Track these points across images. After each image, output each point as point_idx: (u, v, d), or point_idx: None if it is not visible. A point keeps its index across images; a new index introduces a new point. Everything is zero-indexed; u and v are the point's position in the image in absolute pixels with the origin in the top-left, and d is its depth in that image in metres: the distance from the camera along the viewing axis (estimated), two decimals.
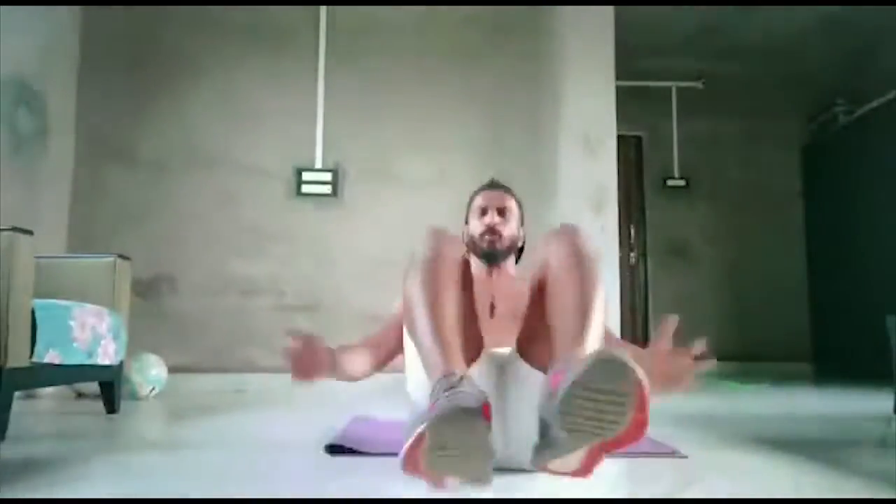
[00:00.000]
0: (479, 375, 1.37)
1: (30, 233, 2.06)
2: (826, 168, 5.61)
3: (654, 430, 2.04)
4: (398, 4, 4.19)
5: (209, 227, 3.98)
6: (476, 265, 1.77)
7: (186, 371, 3.68)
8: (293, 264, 3.99)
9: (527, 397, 1.34)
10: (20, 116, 3.40)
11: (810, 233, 5.82)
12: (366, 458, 1.60)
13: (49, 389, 3.32)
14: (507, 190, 1.89)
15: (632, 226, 5.83)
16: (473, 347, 1.45)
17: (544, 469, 1.11)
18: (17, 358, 1.98)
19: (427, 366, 1.27)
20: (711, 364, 1.37)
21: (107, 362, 2.52)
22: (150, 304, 3.82)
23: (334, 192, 4.05)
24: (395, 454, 1.09)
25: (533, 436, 1.12)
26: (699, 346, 1.37)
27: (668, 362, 1.36)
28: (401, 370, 1.66)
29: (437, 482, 1.07)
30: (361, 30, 4.20)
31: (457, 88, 4.19)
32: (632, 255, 5.80)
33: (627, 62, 4.50)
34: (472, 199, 1.89)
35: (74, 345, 2.28)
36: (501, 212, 1.80)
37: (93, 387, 3.12)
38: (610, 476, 1.45)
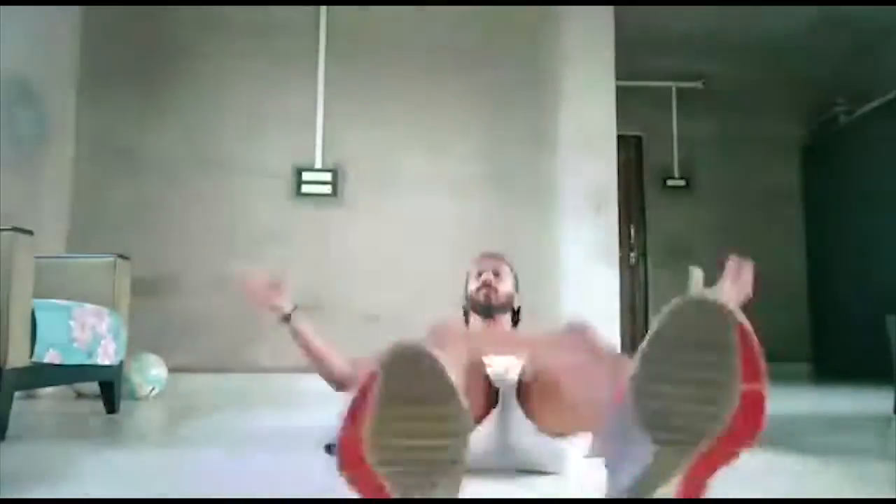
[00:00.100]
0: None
1: (30, 233, 2.06)
2: (826, 168, 5.61)
3: None
4: (398, 4, 4.19)
5: (209, 226, 3.97)
6: (474, 321, 1.91)
7: (186, 371, 3.68)
8: (293, 264, 3.98)
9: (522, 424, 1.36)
10: (20, 116, 3.40)
11: (810, 233, 5.82)
12: None
13: (49, 389, 3.32)
14: (500, 257, 2.03)
15: (632, 226, 5.83)
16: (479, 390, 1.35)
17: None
18: (17, 358, 1.98)
19: None
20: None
21: (107, 362, 2.52)
22: (150, 304, 3.81)
23: (334, 192, 4.05)
24: None
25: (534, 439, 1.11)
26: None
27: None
28: None
29: (378, 487, 0.79)
30: (361, 30, 4.20)
31: (457, 88, 4.19)
32: (632, 255, 5.80)
33: (627, 62, 4.50)
34: (470, 268, 2.02)
35: (74, 345, 2.28)
36: (496, 273, 1.93)
37: (93, 387, 3.12)
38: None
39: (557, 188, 4.08)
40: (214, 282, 3.91)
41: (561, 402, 1.18)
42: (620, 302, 4.06)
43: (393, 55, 4.19)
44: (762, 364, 0.72)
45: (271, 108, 4.09)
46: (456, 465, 0.78)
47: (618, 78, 4.15)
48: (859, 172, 5.16)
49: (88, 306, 2.43)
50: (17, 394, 2.04)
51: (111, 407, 2.62)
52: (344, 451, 0.80)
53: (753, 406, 0.71)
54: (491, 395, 1.40)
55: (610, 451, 0.81)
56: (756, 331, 0.74)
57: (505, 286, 1.91)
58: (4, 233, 1.97)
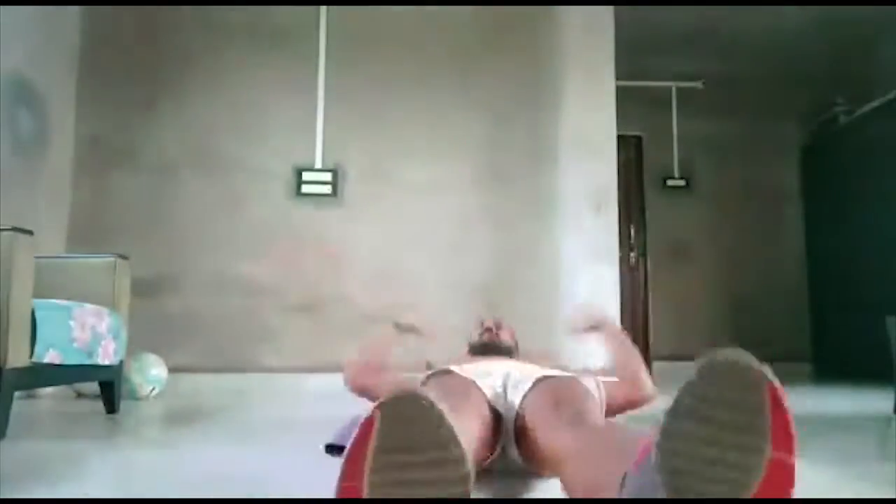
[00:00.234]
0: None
1: (30, 233, 2.06)
2: (826, 168, 5.61)
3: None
4: (398, 4, 4.19)
5: (209, 226, 3.98)
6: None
7: (186, 371, 3.68)
8: (293, 264, 3.99)
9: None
10: (20, 117, 3.40)
11: (810, 233, 5.82)
12: None
13: (49, 389, 3.32)
14: (500, 318, 2.20)
15: (632, 226, 5.83)
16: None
17: None
18: (17, 358, 1.98)
19: None
20: None
21: (107, 362, 2.52)
22: (151, 304, 3.81)
23: (334, 192, 4.05)
24: None
25: None
26: None
27: None
28: None
29: None
30: (361, 30, 4.20)
31: (457, 88, 4.19)
32: (632, 255, 5.80)
33: (627, 62, 4.50)
34: (472, 326, 2.16)
35: (74, 345, 2.28)
36: (498, 326, 2.08)
37: (93, 387, 3.12)
38: None
39: (557, 188, 4.08)
40: (214, 282, 3.92)
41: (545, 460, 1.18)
42: (620, 302, 4.06)
43: (393, 55, 4.19)
44: (793, 433, 0.70)
45: (271, 108, 4.09)
46: None
47: (618, 78, 4.15)
48: (859, 172, 5.16)
49: (88, 306, 2.43)
50: (17, 394, 2.04)
51: (111, 407, 2.62)
52: (343, 496, 0.78)
53: (781, 477, 0.69)
54: (495, 417, 1.36)
55: None
56: (777, 388, 0.72)
57: (506, 334, 2.04)
58: (4, 233, 1.97)
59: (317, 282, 3.97)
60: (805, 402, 3.43)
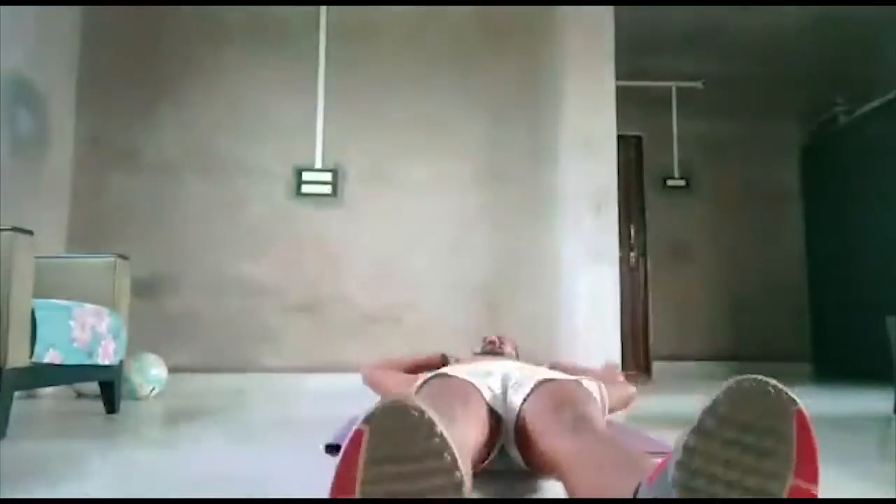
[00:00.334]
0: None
1: (30, 233, 2.06)
2: (825, 168, 5.61)
3: (653, 431, 2.04)
4: (398, 4, 4.19)
5: (209, 226, 3.98)
6: None
7: (186, 371, 3.68)
8: (293, 264, 3.99)
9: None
10: (20, 116, 3.40)
11: (810, 233, 5.82)
12: None
13: (49, 389, 3.32)
14: (502, 335, 2.30)
15: (632, 226, 5.83)
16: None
17: None
18: (17, 358, 1.98)
19: None
20: None
21: (107, 362, 2.52)
22: (150, 304, 3.82)
23: (334, 192, 4.05)
24: None
25: None
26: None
27: None
28: None
29: None
30: (361, 30, 4.20)
31: (457, 88, 4.19)
32: (632, 255, 5.80)
33: (627, 62, 4.50)
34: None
35: (74, 345, 2.28)
36: (501, 341, 2.19)
37: (93, 387, 3.12)
38: None
39: (557, 188, 4.08)
40: (214, 282, 3.92)
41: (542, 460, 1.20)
42: (620, 302, 4.07)
43: (393, 54, 4.19)
44: (818, 462, 0.69)
45: (271, 108, 4.09)
46: None
47: (618, 78, 4.15)
48: (859, 172, 5.16)
49: (88, 306, 2.43)
50: (17, 394, 2.04)
51: (111, 407, 2.62)
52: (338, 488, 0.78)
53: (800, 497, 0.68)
54: (494, 419, 1.36)
55: None
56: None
57: (508, 348, 2.12)
58: (4, 233, 1.97)
59: (317, 282, 3.97)
60: (805, 402, 3.41)
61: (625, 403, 1.83)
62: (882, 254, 4.79)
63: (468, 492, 0.79)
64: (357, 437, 0.78)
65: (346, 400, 3.15)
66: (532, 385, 1.37)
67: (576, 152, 4.08)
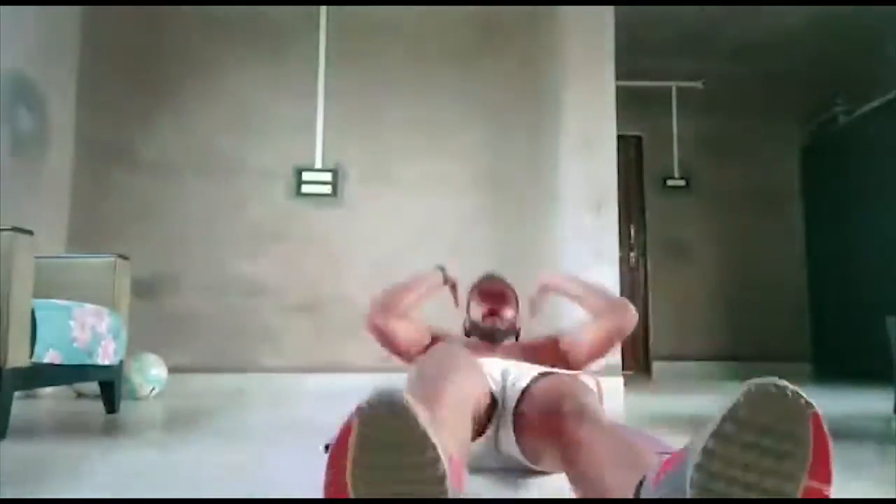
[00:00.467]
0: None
1: (30, 233, 2.06)
2: (825, 168, 5.61)
3: (653, 430, 2.04)
4: (398, 5, 4.19)
5: (209, 226, 3.97)
6: (475, 340, 1.93)
7: (186, 371, 3.68)
8: (293, 264, 3.98)
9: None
10: (20, 116, 3.40)
11: (810, 233, 5.82)
12: None
13: (49, 389, 3.32)
14: (504, 281, 2.09)
15: (632, 226, 5.83)
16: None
17: None
18: (17, 358, 1.98)
19: None
20: None
21: (107, 362, 2.52)
22: (150, 304, 3.81)
23: (334, 192, 4.05)
24: None
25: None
26: None
27: None
28: (404, 370, 1.68)
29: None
30: (361, 30, 4.20)
31: (457, 88, 4.19)
32: (632, 255, 5.80)
33: (627, 62, 4.50)
34: (472, 290, 2.06)
35: (74, 345, 2.28)
36: (501, 297, 1.97)
37: (93, 387, 3.12)
38: None
39: (557, 188, 4.08)
40: (214, 282, 3.92)
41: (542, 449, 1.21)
42: None
43: (393, 54, 4.19)
44: (832, 464, 0.71)
45: (271, 108, 4.09)
46: None
47: (618, 78, 4.15)
48: (859, 172, 5.16)
49: (88, 306, 2.43)
50: (17, 394, 2.04)
51: (111, 407, 2.62)
52: (331, 496, 0.81)
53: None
54: (491, 402, 1.39)
55: None
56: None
57: (510, 311, 1.94)
58: (4, 233, 1.98)
59: (317, 282, 3.97)
60: None
61: (625, 329, 1.76)
62: (882, 254, 4.80)
63: (449, 486, 0.80)
64: (347, 430, 0.81)
65: (347, 400, 3.14)
66: (531, 378, 1.40)
67: (576, 152, 4.08)
